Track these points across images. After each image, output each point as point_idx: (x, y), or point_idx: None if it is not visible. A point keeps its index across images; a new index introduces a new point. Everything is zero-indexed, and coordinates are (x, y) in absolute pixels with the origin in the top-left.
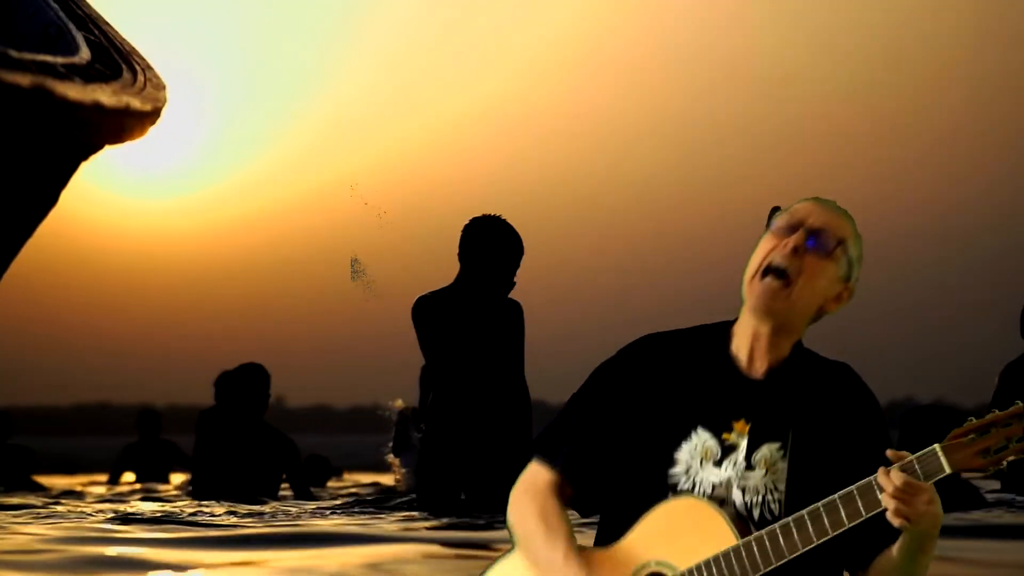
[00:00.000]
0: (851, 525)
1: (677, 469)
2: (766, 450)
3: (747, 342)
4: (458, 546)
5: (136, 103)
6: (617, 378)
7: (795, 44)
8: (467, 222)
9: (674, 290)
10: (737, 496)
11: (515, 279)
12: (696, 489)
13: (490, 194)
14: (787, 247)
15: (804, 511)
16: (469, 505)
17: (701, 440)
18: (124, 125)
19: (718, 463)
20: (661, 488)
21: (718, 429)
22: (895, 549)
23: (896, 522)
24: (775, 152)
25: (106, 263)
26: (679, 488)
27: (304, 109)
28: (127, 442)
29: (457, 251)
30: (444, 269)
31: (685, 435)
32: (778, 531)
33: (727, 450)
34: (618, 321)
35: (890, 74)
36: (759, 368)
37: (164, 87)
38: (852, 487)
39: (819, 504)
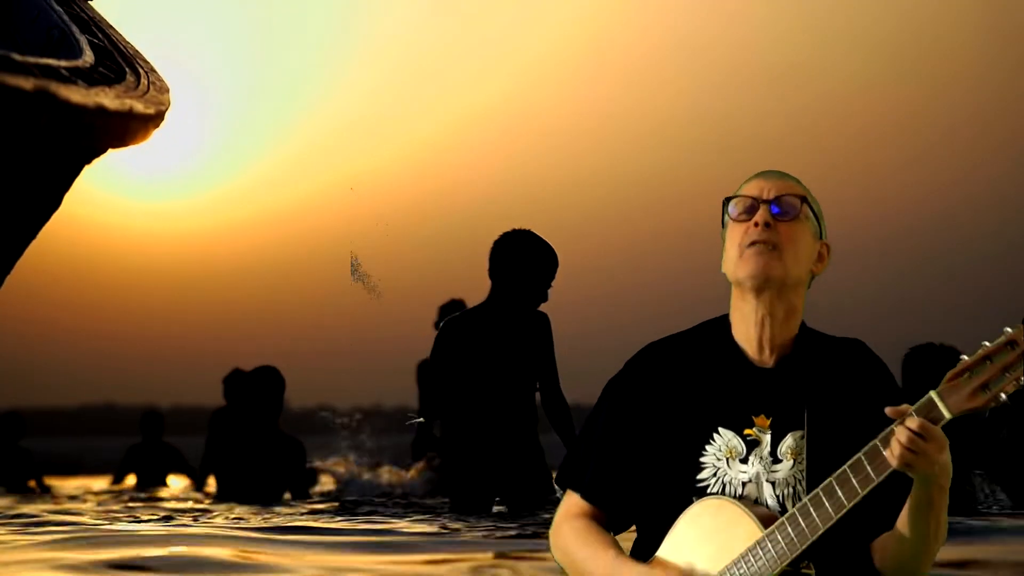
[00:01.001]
0: (866, 492)
1: (705, 473)
2: (791, 440)
3: (752, 330)
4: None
5: (139, 106)
6: (628, 394)
7: (802, 40)
8: (497, 238)
9: (682, 288)
10: (768, 490)
11: (548, 293)
12: (727, 489)
13: (494, 196)
14: (757, 226)
15: (819, 488)
16: (508, 510)
17: (724, 440)
18: (127, 128)
19: (744, 460)
20: (692, 495)
21: (739, 427)
22: (907, 509)
23: (909, 471)
24: (784, 149)
25: (111, 265)
26: (709, 491)
27: (309, 112)
28: (131, 443)
29: (488, 267)
30: (445, 271)
31: (707, 438)
32: (797, 513)
33: (751, 445)
34: (629, 321)
35: (897, 69)
36: (769, 356)
37: (167, 90)
38: (859, 453)
39: (831, 478)
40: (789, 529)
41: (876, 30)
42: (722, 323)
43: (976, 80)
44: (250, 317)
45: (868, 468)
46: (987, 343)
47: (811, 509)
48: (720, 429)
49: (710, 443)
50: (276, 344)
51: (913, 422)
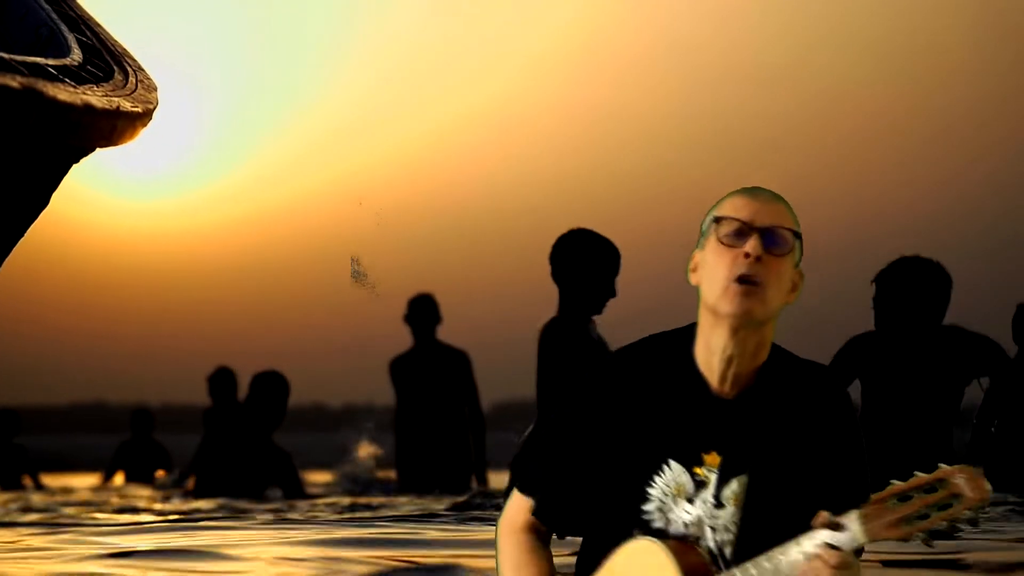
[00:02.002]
0: None
1: (650, 506)
2: (736, 485)
3: (717, 364)
4: None
5: (127, 105)
6: (589, 408)
7: (795, 40)
8: (556, 241)
9: (681, 286)
10: (708, 535)
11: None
12: (670, 526)
13: (491, 195)
14: (749, 257)
15: (736, 570)
16: None
17: (674, 475)
18: (115, 127)
19: (690, 500)
20: (635, 525)
21: (689, 463)
22: None
23: None
24: (779, 148)
25: (101, 264)
26: (653, 526)
27: (301, 111)
28: (121, 440)
29: (551, 271)
30: (441, 268)
31: (657, 469)
32: None
33: (699, 485)
34: (628, 317)
35: (889, 69)
36: (730, 388)
37: (156, 89)
38: (777, 548)
39: (760, 558)
40: None
41: (868, 30)
42: (687, 342)
43: (968, 80)
44: (240, 316)
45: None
46: (919, 473)
47: None
48: (671, 462)
49: (659, 475)
50: (267, 343)
51: (833, 558)
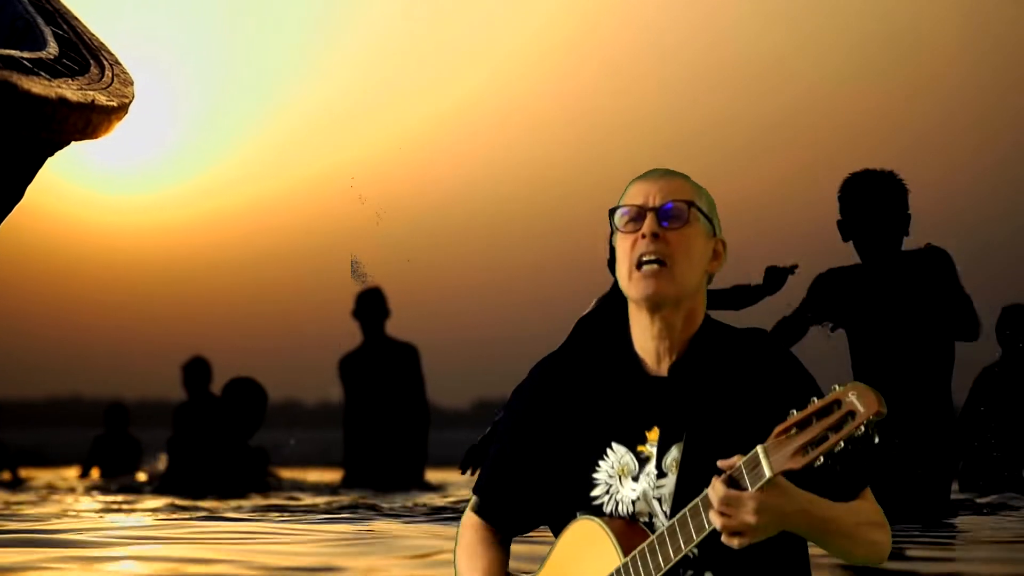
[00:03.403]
0: (691, 547)
1: (598, 491)
2: (675, 452)
3: (650, 343)
4: None
5: (102, 99)
6: (528, 404)
7: (781, 38)
8: (843, 184)
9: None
10: (656, 507)
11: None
12: (619, 508)
13: (475, 189)
14: (645, 238)
15: (666, 526)
16: None
17: (617, 457)
18: (90, 120)
19: (635, 478)
20: (586, 512)
21: (632, 442)
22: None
23: (732, 543)
24: (763, 145)
25: (77, 258)
26: (604, 509)
27: (282, 105)
28: (96, 435)
29: (838, 219)
30: (422, 261)
31: (601, 454)
32: (646, 548)
33: (643, 463)
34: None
35: (879, 65)
36: (665, 364)
37: (132, 83)
38: (686, 508)
39: (674, 520)
40: (640, 563)
41: (855, 28)
42: (622, 330)
43: (955, 80)
44: (216, 310)
45: (691, 526)
46: (815, 399)
47: (657, 546)
48: (614, 444)
49: (603, 459)
50: (242, 337)
51: (718, 492)
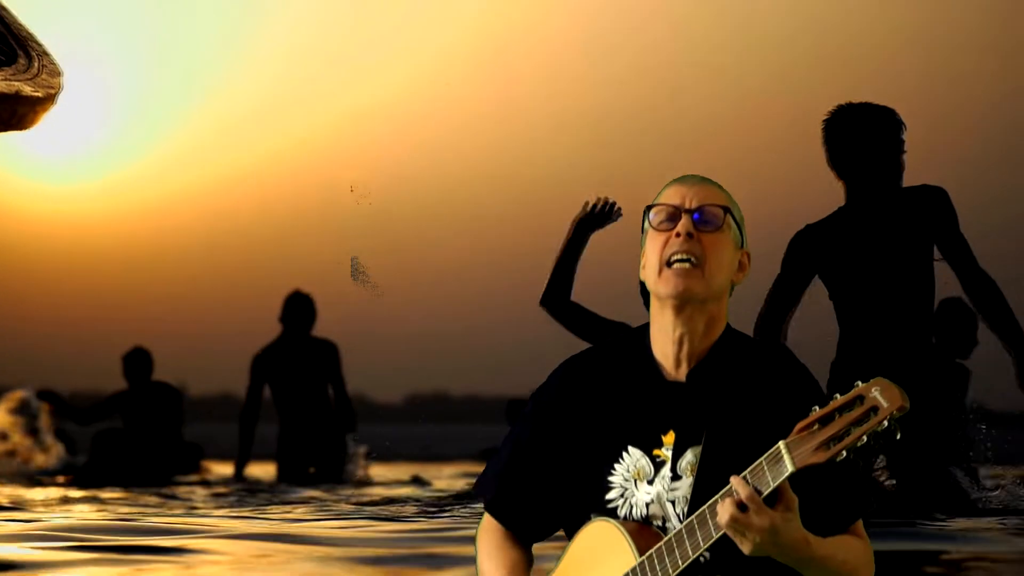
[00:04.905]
0: (708, 546)
1: (613, 493)
2: (690, 455)
3: (670, 347)
4: None
5: (27, 89)
6: (543, 409)
7: (717, 39)
8: (827, 117)
9: (592, 283)
10: (670, 509)
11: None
12: (633, 511)
13: (402, 183)
14: (679, 237)
15: (682, 526)
16: None
17: (633, 460)
18: (15, 111)
19: (651, 481)
20: (600, 514)
21: (648, 446)
22: None
23: (738, 541)
24: (696, 147)
25: (7, 247)
26: (618, 512)
27: (210, 95)
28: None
29: (827, 160)
30: (344, 258)
31: (616, 457)
32: (663, 547)
33: (658, 466)
34: (529, 317)
35: (814, 66)
36: (683, 370)
37: (60, 73)
38: (704, 506)
39: (695, 515)
40: (656, 563)
41: (789, 28)
42: (642, 335)
43: (904, 82)
44: (151, 301)
45: (709, 524)
46: (838, 395)
47: (675, 544)
48: (629, 448)
49: (619, 462)
50: (177, 327)
51: (742, 489)
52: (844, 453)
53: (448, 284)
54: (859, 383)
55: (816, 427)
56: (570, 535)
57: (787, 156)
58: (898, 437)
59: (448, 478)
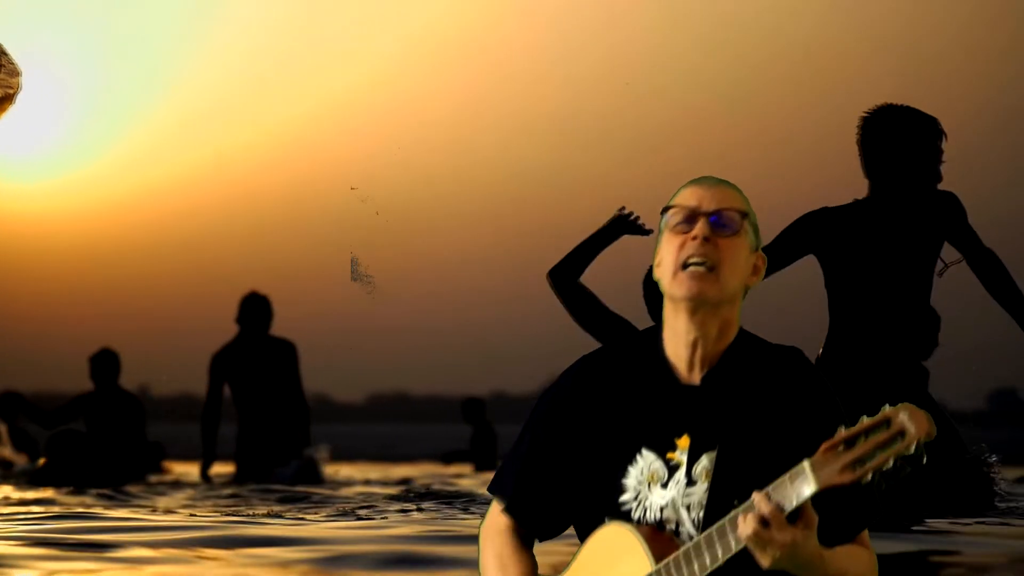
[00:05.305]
0: (728, 558)
1: (627, 496)
2: (705, 461)
3: (683, 350)
4: None
5: None
6: (559, 408)
7: (679, 43)
8: (865, 117)
9: (539, 284)
10: (684, 514)
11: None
12: (647, 514)
13: (360, 178)
14: (696, 240)
15: (701, 535)
16: None
17: (647, 463)
18: None
19: (664, 485)
20: (614, 517)
21: (662, 449)
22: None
23: (757, 555)
24: (650, 148)
25: None
26: (632, 515)
27: (168, 90)
28: None
29: (861, 158)
30: (306, 254)
31: (630, 459)
32: (681, 556)
33: (673, 470)
34: (482, 318)
35: (768, 74)
36: (697, 373)
37: (20, 73)
38: (725, 518)
39: (711, 529)
40: (674, 571)
41: (751, 34)
42: (655, 337)
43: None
44: (113, 300)
45: (730, 536)
46: (866, 417)
47: (693, 555)
48: (643, 450)
49: (633, 465)
50: (138, 324)
51: (765, 506)
52: (870, 476)
53: (411, 286)
54: (887, 406)
55: (841, 448)
56: (582, 536)
57: (756, 157)
58: (924, 462)
59: (405, 478)
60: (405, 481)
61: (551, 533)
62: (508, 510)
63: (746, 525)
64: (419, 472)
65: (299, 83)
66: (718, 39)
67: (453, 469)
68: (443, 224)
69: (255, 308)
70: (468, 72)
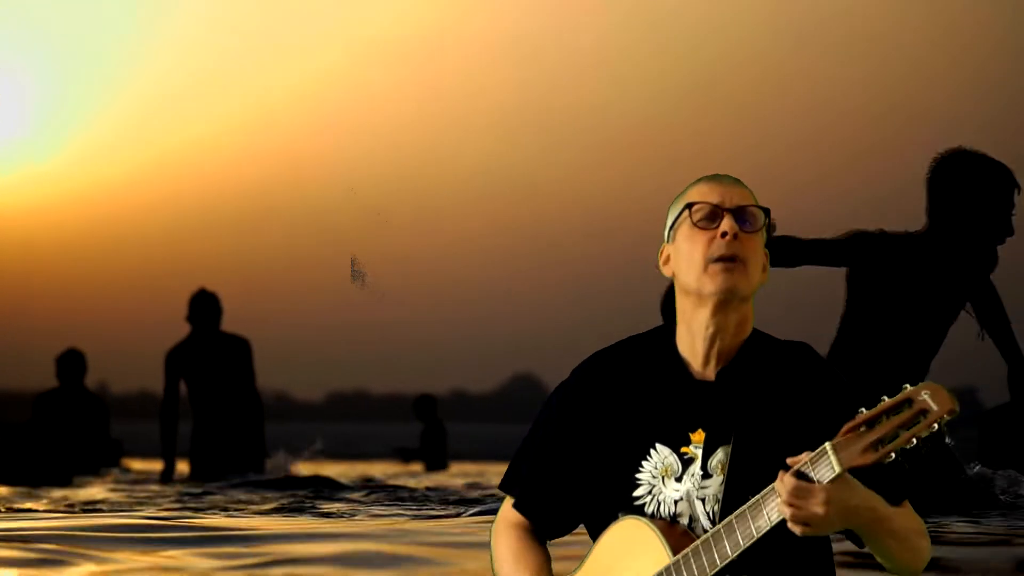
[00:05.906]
0: (761, 536)
1: (640, 491)
2: (721, 454)
3: (700, 344)
4: None
5: None
6: (571, 404)
7: (642, 41)
8: (938, 159)
9: (510, 284)
10: (699, 507)
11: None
12: (661, 508)
13: (324, 174)
14: (725, 237)
15: (723, 522)
16: None
17: (661, 457)
18: None
19: (679, 478)
20: (627, 512)
21: (676, 444)
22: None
23: (796, 530)
24: (613, 145)
25: None
26: (646, 509)
27: (124, 85)
28: None
29: (927, 197)
30: (259, 249)
31: (644, 454)
32: (700, 546)
33: (687, 464)
34: (452, 315)
35: (731, 67)
36: (712, 368)
37: None
38: (744, 506)
39: (733, 515)
40: (693, 562)
41: (711, 33)
42: (667, 333)
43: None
44: (69, 295)
45: (765, 512)
46: (886, 397)
47: (712, 544)
48: (657, 445)
49: (647, 459)
50: (94, 319)
51: (788, 484)
52: (892, 455)
53: (373, 283)
54: (907, 386)
55: (863, 429)
56: (595, 532)
57: (722, 153)
58: (947, 441)
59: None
60: (369, 480)
61: (561, 531)
62: (518, 507)
63: (779, 509)
64: (379, 471)
65: (253, 81)
66: (688, 36)
67: (410, 467)
68: (409, 219)
69: (204, 306)
70: (429, 69)
